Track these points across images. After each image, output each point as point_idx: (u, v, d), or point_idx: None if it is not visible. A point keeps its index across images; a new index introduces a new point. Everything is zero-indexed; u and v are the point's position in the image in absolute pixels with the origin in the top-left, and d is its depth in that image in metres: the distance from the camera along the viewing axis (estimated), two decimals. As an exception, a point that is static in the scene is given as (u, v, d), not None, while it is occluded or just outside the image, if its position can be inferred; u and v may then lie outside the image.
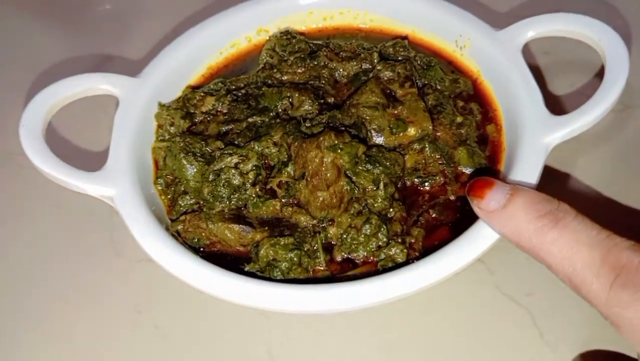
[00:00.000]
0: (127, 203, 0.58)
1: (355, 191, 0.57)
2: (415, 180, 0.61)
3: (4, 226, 0.68)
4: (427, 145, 0.61)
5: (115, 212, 0.59)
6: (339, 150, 0.55)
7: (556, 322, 0.56)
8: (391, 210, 0.58)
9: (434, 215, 0.59)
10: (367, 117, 0.61)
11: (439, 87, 0.68)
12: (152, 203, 0.61)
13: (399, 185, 0.60)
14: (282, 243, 0.55)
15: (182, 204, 0.62)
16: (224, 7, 0.78)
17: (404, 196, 0.60)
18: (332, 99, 0.67)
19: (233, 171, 0.59)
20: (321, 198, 0.55)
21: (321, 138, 0.56)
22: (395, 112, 0.62)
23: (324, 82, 0.68)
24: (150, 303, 0.62)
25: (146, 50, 0.82)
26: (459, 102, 0.67)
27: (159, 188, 0.64)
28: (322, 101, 0.65)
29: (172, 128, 0.67)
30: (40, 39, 0.86)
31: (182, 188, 0.62)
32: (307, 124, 0.61)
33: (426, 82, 0.67)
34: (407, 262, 0.54)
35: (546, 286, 0.56)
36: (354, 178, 0.57)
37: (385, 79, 0.64)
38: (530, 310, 0.56)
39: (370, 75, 0.65)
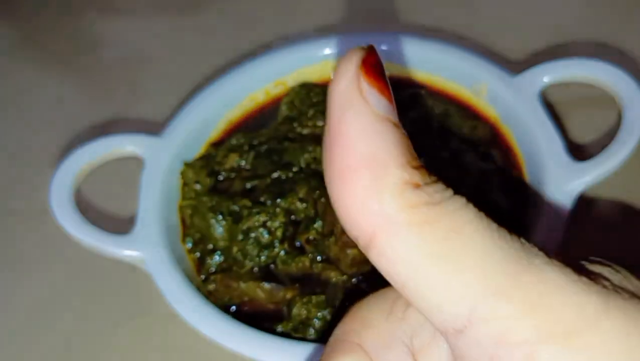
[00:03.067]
0: (158, 266, 0.59)
1: (384, 245, 0.58)
2: None
3: (23, 279, 0.69)
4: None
5: (139, 269, 0.61)
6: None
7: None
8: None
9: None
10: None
11: (458, 134, 0.69)
12: (180, 262, 0.62)
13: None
14: (315, 301, 0.55)
15: (211, 263, 0.62)
16: (227, 60, 0.81)
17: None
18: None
19: (261, 229, 0.60)
20: (351, 255, 0.56)
21: None
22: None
23: (344, 133, 0.69)
24: (179, 358, 0.62)
25: (159, 105, 0.84)
26: (479, 148, 0.68)
27: (187, 247, 0.65)
28: (343, 153, 0.66)
29: (197, 186, 0.68)
30: (43, 90, 0.88)
31: (211, 247, 0.63)
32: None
33: (446, 129, 0.69)
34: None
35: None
36: (382, 232, 0.58)
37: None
38: None
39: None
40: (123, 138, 0.70)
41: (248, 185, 0.66)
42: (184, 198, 0.68)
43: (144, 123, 0.83)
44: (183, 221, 0.67)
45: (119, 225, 0.63)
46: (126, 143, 0.70)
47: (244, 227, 0.60)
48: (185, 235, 0.66)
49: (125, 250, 0.60)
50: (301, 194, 0.63)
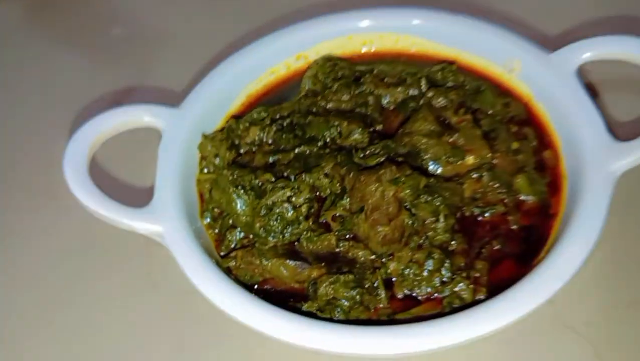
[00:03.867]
0: (177, 240, 0.56)
1: (415, 224, 0.55)
2: (475, 210, 0.58)
3: (39, 258, 0.66)
4: (485, 174, 0.59)
5: (151, 242, 0.58)
6: (401, 183, 0.53)
7: (617, 352, 0.53)
8: (452, 242, 0.55)
9: (496, 247, 0.56)
10: (422, 146, 0.59)
11: (490, 112, 0.66)
12: (199, 238, 0.59)
13: (457, 216, 0.58)
14: (343, 280, 0.52)
15: (231, 239, 0.59)
16: (249, 33, 0.77)
17: (464, 227, 0.58)
18: (381, 126, 0.65)
19: (286, 205, 0.57)
20: (383, 233, 0.53)
21: (382, 172, 0.53)
22: (451, 140, 0.60)
23: (370, 109, 0.66)
24: (195, 341, 0.60)
25: (176, 77, 0.80)
26: (512, 127, 0.65)
27: (206, 222, 0.62)
28: (371, 130, 0.63)
29: (216, 160, 0.64)
30: (61, 68, 0.84)
31: (231, 222, 0.60)
32: (360, 155, 0.59)
33: (477, 108, 0.65)
34: (474, 301, 0.52)
35: (606, 315, 0.53)
36: (413, 210, 0.55)
37: (438, 106, 0.62)
38: (590, 340, 0.53)
39: (421, 102, 0.63)
40: (140, 108, 0.66)
41: (270, 160, 0.63)
42: (202, 171, 0.65)
43: (162, 94, 0.78)
44: (201, 196, 0.64)
45: (136, 197, 0.60)
46: (143, 114, 0.66)
47: (268, 202, 0.57)
48: (203, 210, 0.62)
49: (142, 223, 0.57)
50: (327, 169, 0.59)
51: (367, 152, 0.59)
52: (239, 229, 0.59)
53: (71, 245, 0.66)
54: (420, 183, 0.54)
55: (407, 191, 0.53)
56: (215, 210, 0.62)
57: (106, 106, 0.67)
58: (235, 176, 0.59)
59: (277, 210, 0.57)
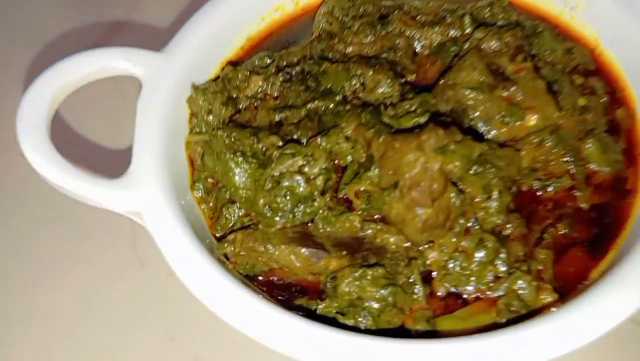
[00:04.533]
0: (159, 222, 0.44)
1: (462, 203, 0.43)
2: (534, 183, 0.47)
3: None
4: (547, 137, 0.47)
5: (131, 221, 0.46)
6: (450, 153, 0.41)
7: None
8: (508, 226, 0.44)
9: (562, 231, 0.44)
10: (470, 102, 0.47)
11: (549, 60, 0.53)
12: (189, 215, 0.48)
13: (513, 191, 0.46)
14: (371, 276, 0.41)
15: (229, 217, 0.48)
16: None
17: (520, 205, 0.46)
18: (413, 77, 0.52)
19: (297, 177, 0.45)
20: (424, 217, 0.41)
21: (424, 137, 0.41)
22: (506, 94, 0.47)
23: (400, 54, 0.53)
24: (186, 328, 0.49)
25: (167, 16, 0.66)
26: (576, 78, 0.52)
27: (197, 195, 0.50)
28: (403, 80, 0.50)
29: (210, 117, 0.52)
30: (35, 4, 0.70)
31: (228, 196, 0.48)
32: (391, 112, 0.47)
33: (534, 53, 0.52)
34: (541, 308, 0.40)
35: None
36: (460, 185, 0.43)
37: (490, 50, 0.49)
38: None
39: (466, 45, 0.50)
40: (114, 52, 0.53)
41: (276, 118, 0.51)
42: (192, 131, 0.53)
43: (143, 35, 0.65)
44: (192, 162, 0.52)
45: (109, 164, 0.48)
46: (118, 59, 0.53)
47: (274, 173, 0.45)
48: (194, 180, 0.50)
49: (115, 199, 0.45)
50: (348, 131, 0.47)
51: (400, 109, 0.46)
52: (237, 206, 0.47)
53: (38, 217, 0.55)
54: (473, 152, 0.41)
55: (457, 163, 0.41)
56: (209, 180, 0.50)
57: (77, 47, 0.53)
58: (232, 139, 0.47)
59: (286, 183, 0.45)
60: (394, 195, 0.42)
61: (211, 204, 0.49)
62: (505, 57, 0.48)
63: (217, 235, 0.48)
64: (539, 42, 0.53)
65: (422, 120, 0.44)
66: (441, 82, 0.48)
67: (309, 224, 0.46)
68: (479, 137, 0.45)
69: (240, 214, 0.48)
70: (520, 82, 0.47)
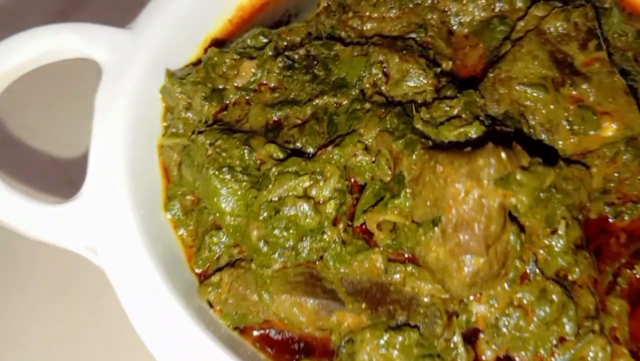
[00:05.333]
0: (120, 263, 0.34)
1: (522, 244, 0.32)
2: (605, 209, 0.36)
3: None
4: (623, 149, 0.36)
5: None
6: (516, 186, 0.30)
7: None
8: (575, 269, 0.34)
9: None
10: (528, 103, 0.36)
11: (618, 44, 0.41)
12: (160, 244, 0.37)
13: (578, 218, 0.35)
14: (401, 343, 0.31)
15: (213, 248, 0.37)
16: None
17: (587, 237, 0.36)
18: (449, 64, 0.41)
19: (301, 204, 0.34)
20: (474, 268, 0.31)
21: (480, 162, 0.29)
22: (575, 93, 0.36)
23: (432, 34, 0.42)
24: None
25: None
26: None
27: (173, 216, 0.39)
28: (438, 70, 0.39)
29: (189, 113, 0.41)
30: None
31: (211, 219, 0.38)
32: (425, 115, 0.36)
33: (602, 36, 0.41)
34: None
35: None
36: (517, 217, 0.33)
37: (554, 34, 0.38)
38: None
39: (520, 24, 0.39)
40: (66, 29, 0.41)
41: (274, 116, 0.40)
42: (166, 132, 0.42)
43: (105, 9, 0.52)
44: (166, 171, 0.41)
45: (56, 181, 0.37)
46: (72, 38, 0.41)
47: (271, 198, 0.35)
48: (169, 196, 0.40)
49: (62, 232, 0.34)
50: (368, 138, 0.36)
51: (438, 112, 0.35)
52: (224, 233, 0.37)
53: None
54: (545, 182, 0.31)
55: (524, 198, 0.30)
56: (188, 197, 0.39)
57: (21, 22, 0.41)
58: (217, 149, 0.36)
59: (287, 212, 0.34)
60: (433, 235, 0.31)
61: (191, 228, 0.39)
62: (573, 43, 0.37)
63: (198, 270, 0.37)
64: (605, 22, 0.42)
65: (472, 132, 0.33)
66: (490, 74, 0.37)
67: (317, 261, 0.35)
68: (547, 153, 0.34)
69: (229, 243, 0.37)
70: (594, 77, 0.36)
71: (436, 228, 0.31)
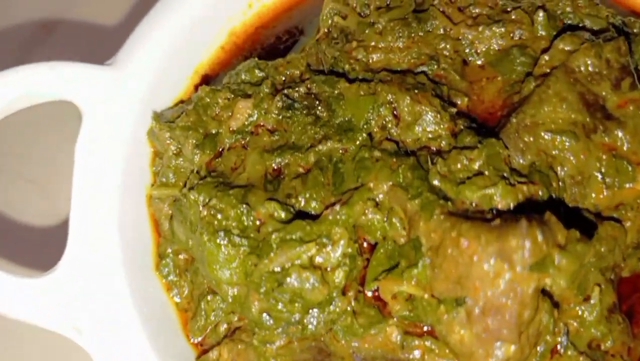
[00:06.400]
0: (108, 345, 0.30)
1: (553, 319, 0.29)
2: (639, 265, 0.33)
3: None
4: (660, 200, 0.33)
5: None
6: (555, 270, 0.26)
7: None
8: (609, 337, 0.30)
9: (681, 341, 0.31)
10: (556, 152, 0.32)
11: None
12: (152, 310, 0.34)
13: (611, 278, 0.32)
14: None
15: (209, 314, 0.34)
16: None
17: (619, 297, 0.33)
18: (465, 100, 0.37)
19: (307, 275, 0.31)
20: (504, 356, 0.27)
21: (512, 242, 0.25)
22: (608, 140, 0.32)
23: (445, 66, 0.38)
24: None
25: (115, 12, 0.47)
26: None
27: (165, 278, 0.36)
28: (454, 111, 0.35)
29: (180, 160, 0.37)
30: None
31: (207, 283, 0.34)
32: (442, 169, 0.32)
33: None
34: None
35: None
36: (551, 289, 0.29)
37: (584, 72, 0.34)
38: None
39: (545, 58, 0.35)
40: (41, 70, 0.37)
41: (274, 163, 0.36)
42: (155, 182, 0.38)
43: (82, 39, 0.45)
44: (156, 224, 0.38)
45: (33, 250, 0.33)
46: (48, 80, 0.37)
47: (273, 268, 0.31)
48: (160, 254, 0.36)
49: (40, 310, 0.31)
50: (379, 194, 0.33)
51: (457, 166, 0.31)
52: (220, 302, 0.33)
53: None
54: (585, 259, 0.27)
55: (562, 282, 0.26)
56: (181, 256, 0.36)
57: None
58: (212, 210, 0.32)
59: (291, 284, 0.30)
60: (457, 316, 0.27)
61: (185, 291, 0.35)
62: (605, 83, 0.33)
63: (195, 339, 0.34)
64: (635, 49, 0.38)
65: (497, 195, 0.29)
66: (514, 120, 0.33)
67: (327, 333, 0.32)
68: (580, 217, 0.31)
69: (227, 309, 0.34)
70: (629, 122, 0.32)
71: (461, 309, 0.28)
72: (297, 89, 0.38)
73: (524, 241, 0.26)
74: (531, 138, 0.32)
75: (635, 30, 0.39)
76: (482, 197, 0.29)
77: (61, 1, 0.42)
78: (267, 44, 0.45)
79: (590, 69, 0.33)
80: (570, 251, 0.26)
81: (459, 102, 0.37)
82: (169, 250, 0.36)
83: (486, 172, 0.31)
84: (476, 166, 0.31)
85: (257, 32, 0.45)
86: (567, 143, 0.32)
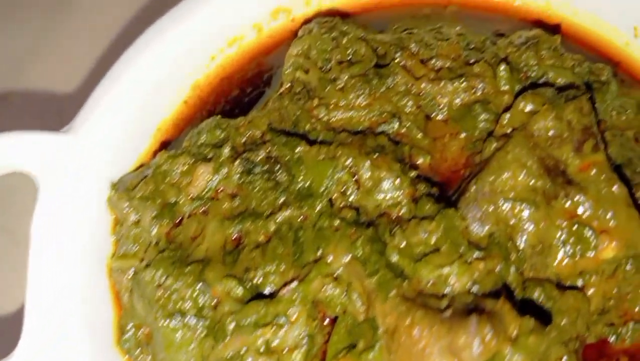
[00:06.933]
0: None
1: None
2: (605, 331, 0.32)
3: None
4: (624, 261, 0.32)
5: None
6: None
7: None
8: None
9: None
10: (515, 222, 0.31)
11: (617, 123, 0.37)
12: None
13: (577, 349, 0.31)
14: None
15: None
16: None
17: (584, 364, 0.32)
18: (427, 159, 0.36)
19: (263, 360, 0.30)
20: None
21: (460, 339, 0.24)
22: (569, 205, 0.32)
23: (407, 123, 0.37)
24: None
25: (69, 77, 0.45)
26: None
27: (128, 353, 0.35)
28: (413, 175, 0.34)
29: (139, 230, 0.36)
30: None
31: None
32: (399, 242, 0.31)
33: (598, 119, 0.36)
34: None
35: None
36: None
37: (544, 135, 0.33)
38: None
39: (506, 117, 0.34)
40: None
41: (234, 232, 0.35)
42: (115, 253, 0.37)
43: (35, 106, 0.44)
44: (117, 296, 0.37)
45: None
46: (1, 151, 0.36)
47: (227, 354, 0.30)
48: (122, 328, 0.35)
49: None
50: (338, 267, 0.32)
51: (414, 238, 0.31)
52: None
53: None
54: (539, 349, 0.26)
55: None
56: (142, 330, 0.35)
57: None
58: (166, 292, 0.31)
59: (247, 368, 0.30)
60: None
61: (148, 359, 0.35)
62: (567, 146, 0.32)
63: None
64: (602, 99, 0.37)
65: (453, 276, 0.28)
66: (472, 187, 0.32)
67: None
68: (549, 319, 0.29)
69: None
70: (590, 187, 0.31)
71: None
72: (257, 152, 0.37)
73: (473, 338, 0.25)
74: (490, 208, 0.31)
75: (603, 78, 0.38)
76: (438, 277, 0.29)
77: (13, 69, 0.40)
78: (232, 96, 0.44)
79: (550, 133, 0.32)
80: (522, 345, 0.25)
81: (421, 161, 0.36)
82: (130, 324, 0.35)
83: (443, 248, 0.30)
84: (433, 240, 0.31)
85: (221, 83, 0.44)
86: (526, 212, 0.31)
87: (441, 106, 0.38)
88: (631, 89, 0.39)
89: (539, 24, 0.41)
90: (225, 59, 0.44)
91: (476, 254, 0.30)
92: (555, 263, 0.32)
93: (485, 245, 0.31)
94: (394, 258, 0.31)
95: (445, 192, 0.35)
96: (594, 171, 0.32)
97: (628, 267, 0.33)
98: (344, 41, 0.40)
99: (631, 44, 0.40)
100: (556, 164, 0.32)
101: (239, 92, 0.44)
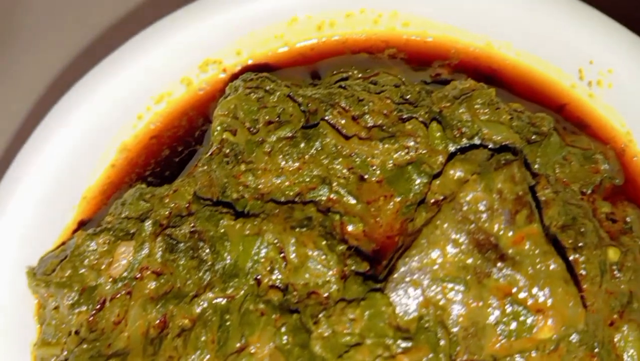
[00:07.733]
0: None
1: None
2: None
3: None
4: (568, 335, 0.30)
5: None
6: None
7: None
8: None
9: None
10: (446, 302, 0.29)
11: (561, 176, 0.35)
12: None
13: None
14: None
15: None
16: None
17: None
18: (360, 227, 0.34)
19: None
20: None
21: None
22: (503, 283, 0.30)
23: (338, 188, 0.35)
24: None
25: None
26: (599, 204, 0.35)
27: None
28: (342, 248, 0.32)
29: (60, 316, 0.34)
30: None
31: None
32: (323, 331, 0.29)
33: (536, 172, 0.34)
34: None
35: None
36: None
37: (473, 208, 0.31)
38: None
39: (436, 183, 0.32)
40: None
41: (158, 316, 0.33)
42: (40, 341, 0.35)
43: None
44: (42, 382, 0.35)
45: None
46: None
47: None
48: (45, 422, 0.34)
49: None
50: (261, 355, 0.30)
51: (338, 326, 0.29)
52: None
53: None
54: None
55: None
56: None
57: None
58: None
59: None
60: None
61: None
62: (498, 218, 0.30)
63: None
64: (543, 152, 0.35)
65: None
66: (401, 268, 0.30)
67: None
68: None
69: None
70: (524, 262, 0.29)
71: None
72: (180, 227, 0.35)
73: None
74: (418, 289, 0.30)
75: (544, 129, 0.36)
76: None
77: None
78: (162, 157, 0.41)
79: (480, 205, 0.31)
80: None
81: (353, 229, 0.34)
82: (53, 417, 0.34)
83: (368, 340, 0.28)
84: (358, 329, 0.29)
85: (150, 142, 0.42)
86: (456, 293, 0.29)
87: (374, 167, 0.35)
88: (578, 136, 0.37)
89: (478, 68, 0.39)
90: (154, 116, 0.42)
91: (403, 344, 0.29)
92: (489, 345, 0.30)
93: (414, 331, 0.29)
94: (318, 349, 0.29)
95: (378, 262, 0.33)
96: (528, 244, 0.30)
97: (573, 339, 0.31)
98: (272, 99, 0.38)
99: (577, 86, 0.38)
100: (488, 238, 0.30)
101: (170, 152, 0.41)
